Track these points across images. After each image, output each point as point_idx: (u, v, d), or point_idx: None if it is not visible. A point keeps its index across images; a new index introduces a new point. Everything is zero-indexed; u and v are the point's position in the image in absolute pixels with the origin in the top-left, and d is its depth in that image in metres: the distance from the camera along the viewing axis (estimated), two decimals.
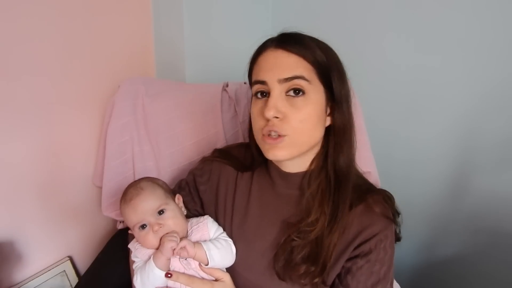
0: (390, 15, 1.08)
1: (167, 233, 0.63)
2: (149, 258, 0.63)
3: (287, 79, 0.55)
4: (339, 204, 0.60)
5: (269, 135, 0.58)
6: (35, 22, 0.79)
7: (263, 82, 0.58)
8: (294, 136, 0.57)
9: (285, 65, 0.56)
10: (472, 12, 0.95)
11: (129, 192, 0.66)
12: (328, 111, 0.61)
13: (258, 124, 0.60)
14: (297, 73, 0.56)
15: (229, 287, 0.64)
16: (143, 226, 0.64)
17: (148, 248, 0.65)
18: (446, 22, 1.00)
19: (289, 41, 0.57)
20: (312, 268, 0.59)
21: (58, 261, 0.96)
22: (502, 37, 0.93)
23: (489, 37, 0.94)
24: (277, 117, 0.56)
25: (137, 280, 0.63)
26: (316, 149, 0.64)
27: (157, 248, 0.63)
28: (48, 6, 0.81)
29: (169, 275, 0.61)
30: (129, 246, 0.69)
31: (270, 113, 0.55)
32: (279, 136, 0.57)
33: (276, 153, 0.58)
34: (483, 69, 0.97)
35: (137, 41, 1.08)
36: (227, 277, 0.65)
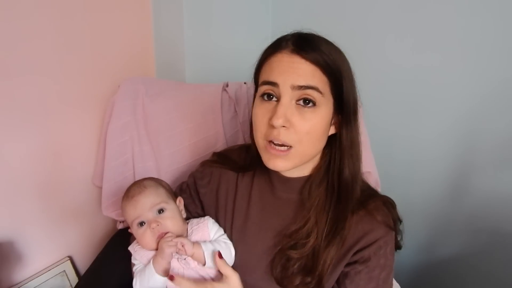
0: (390, 15, 1.08)
1: (164, 237, 0.62)
2: (148, 261, 0.63)
3: (301, 87, 0.53)
4: (339, 217, 0.59)
5: (273, 142, 0.55)
6: (35, 22, 0.79)
7: (274, 84, 0.54)
8: (299, 148, 0.56)
9: (301, 71, 0.53)
10: (472, 13, 0.95)
11: (132, 189, 0.67)
12: (333, 120, 0.59)
13: (260, 129, 0.57)
14: (312, 83, 0.53)
15: None
16: (141, 224, 0.64)
17: (146, 249, 0.64)
18: (446, 22, 1.00)
19: (306, 47, 0.54)
20: (308, 279, 0.58)
21: (58, 261, 0.96)
22: (502, 37, 0.93)
23: (489, 37, 0.94)
24: (283, 126, 0.54)
25: (136, 284, 0.62)
26: (318, 156, 0.62)
27: (156, 249, 0.62)
28: (48, 6, 0.81)
29: (171, 278, 0.58)
30: (129, 248, 0.68)
31: (278, 122, 0.53)
32: (283, 145, 0.55)
33: (277, 164, 0.56)
34: (484, 69, 0.97)
35: (137, 41, 1.08)
36: (234, 277, 0.60)
